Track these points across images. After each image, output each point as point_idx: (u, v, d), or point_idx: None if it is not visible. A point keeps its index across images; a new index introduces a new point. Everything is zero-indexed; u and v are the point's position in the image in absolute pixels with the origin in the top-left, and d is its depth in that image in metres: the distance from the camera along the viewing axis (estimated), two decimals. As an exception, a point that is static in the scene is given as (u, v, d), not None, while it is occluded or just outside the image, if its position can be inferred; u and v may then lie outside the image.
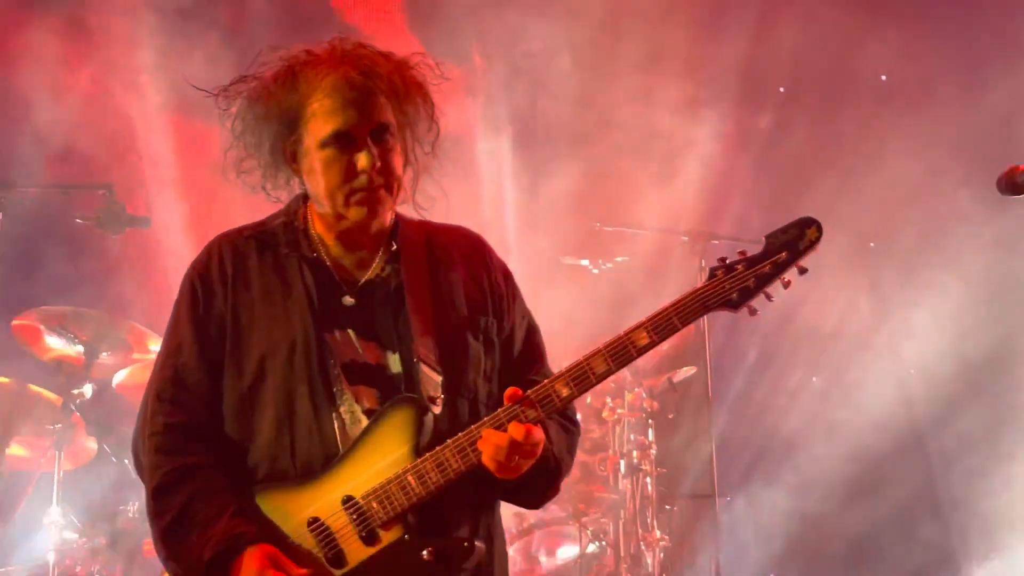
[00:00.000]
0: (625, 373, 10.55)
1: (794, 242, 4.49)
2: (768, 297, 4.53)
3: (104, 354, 10.28)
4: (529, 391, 4.50)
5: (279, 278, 4.82)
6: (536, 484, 4.72)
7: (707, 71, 13.26)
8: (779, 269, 4.48)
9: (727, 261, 4.53)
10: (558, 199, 11.98)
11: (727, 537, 11.73)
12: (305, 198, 4.98)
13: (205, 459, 4.68)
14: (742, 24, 13.07)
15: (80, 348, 10.20)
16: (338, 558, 4.51)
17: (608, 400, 10.59)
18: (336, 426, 4.61)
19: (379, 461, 4.52)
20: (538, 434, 4.50)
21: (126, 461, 10.00)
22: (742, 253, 4.52)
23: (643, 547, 10.69)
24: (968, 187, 11.43)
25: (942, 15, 12.71)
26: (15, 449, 10.36)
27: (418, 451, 4.52)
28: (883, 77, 13.28)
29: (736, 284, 4.48)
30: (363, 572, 4.50)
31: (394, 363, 4.71)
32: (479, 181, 12.27)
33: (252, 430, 4.68)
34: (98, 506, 10.02)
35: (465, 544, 4.54)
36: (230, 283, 4.83)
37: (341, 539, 4.53)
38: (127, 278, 12.12)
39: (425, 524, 4.52)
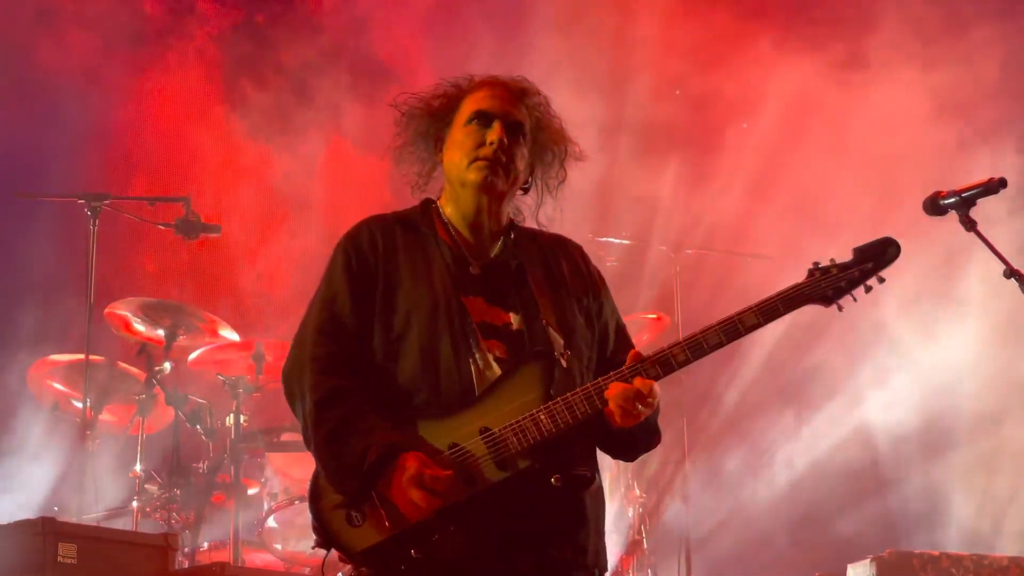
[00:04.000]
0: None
1: (879, 255, 4.59)
2: (854, 298, 4.62)
3: (181, 337, 10.28)
4: (651, 353, 4.57)
5: (420, 251, 4.86)
6: (643, 436, 4.77)
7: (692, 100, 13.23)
8: (865, 275, 4.58)
9: (820, 265, 4.62)
10: (556, 211, 11.94)
11: (693, 494, 11.72)
12: (433, 200, 5.02)
13: (358, 384, 4.68)
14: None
15: (161, 332, 10.20)
16: (474, 478, 4.49)
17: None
18: (473, 370, 4.62)
19: (513, 401, 4.53)
20: (657, 389, 4.57)
21: (198, 427, 10.00)
22: (832, 260, 4.61)
23: (625, 503, 10.71)
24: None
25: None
26: (107, 415, 10.38)
27: (547, 396, 4.52)
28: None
29: (831, 283, 4.58)
30: (495, 491, 4.49)
31: (516, 322, 4.75)
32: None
33: (397, 368, 4.69)
34: (173, 464, 10.01)
35: (587, 474, 4.58)
36: (380, 251, 4.85)
37: (479, 462, 4.50)
38: (200, 275, 12.13)
39: (551, 457, 4.51)
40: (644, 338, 11.17)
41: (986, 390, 11.70)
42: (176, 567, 8.26)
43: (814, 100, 12.46)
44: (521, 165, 4.88)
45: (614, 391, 4.49)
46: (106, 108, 12.63)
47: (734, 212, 12.66)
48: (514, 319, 4.76)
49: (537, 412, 4.50)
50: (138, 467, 9.95)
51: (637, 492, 10.78)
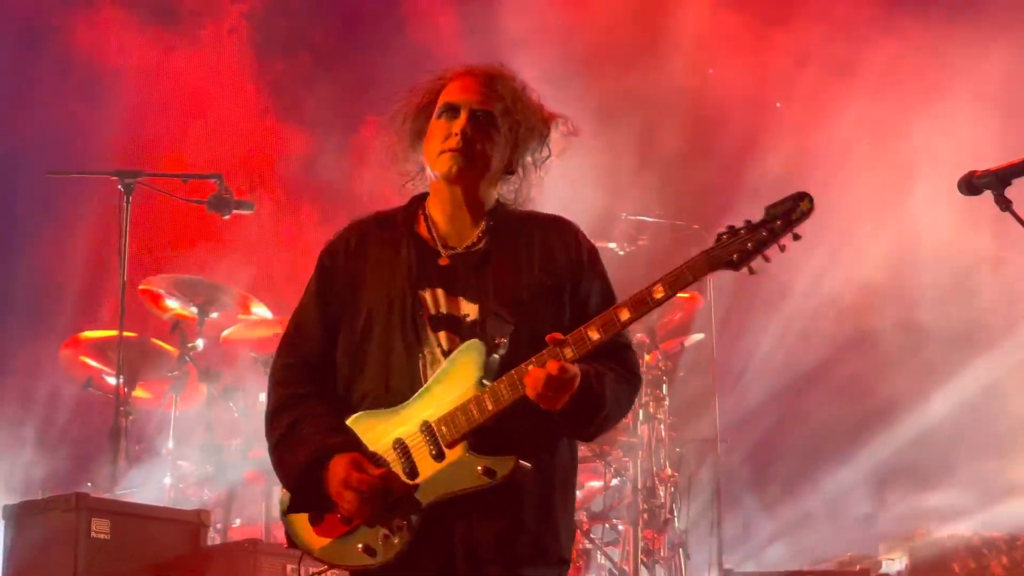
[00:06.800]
0: (645, 337, 10.51)
1: (788, 212, 4.42)
2: (766, 259, 4.47)
3: (214, 314, 10.32)
4: (567, 335, 4.51)
5: (391, 249, 4.91)
6: (578, 417, 4.66)
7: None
8: (775, 235, 4.41)
9: (733, 227, 4.47)
10: (591, 191, 11.94)
11: (725, 473, 11.71)
12: (424, 195, 5.05)
13: (312, 391, 4.82)
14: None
15: (194, 309, 10.24)
16: (413, 471, 4.59)
17: (630, 360, 10.58)
18: (420, 365, 4.69)
19: (451, 392, 4.59)
20: (572, 370, 4.49)
21: (231, 404, 10.04)
22: (747, 221, 4.46)
23: (657, 482, 10.67)
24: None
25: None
26: (139, 392, 10.42)
27: (480, 385, 4.57)
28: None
29: (737, 247, 4.43)
30: (432, 483, 4.57)
31: (473, 313, 4.76)
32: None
33: (361, 371, 4.79)
34: (206, 441, 10.04)
35: (512, 463, 4.54)
36: (352, 256, 4.96)
37: (416, 456, 4.59)
38: (233, 252, 12.16)
39: (483, 445, 4.55)
40: (677, 316, 11.15)
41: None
42: (208, 543, 8.30)
43: (849, 76, 12.45)
44: (492, 151, 4.88)
45: (529, 376, 4.49)
46: (140, 86, 12.68)
47: (765, 190, 12.64)
48: (472, 309, 4.77)
49: (468, 402, 4.56)
50: (171, 444, 9.98)
51: (668, 471, 10.77)
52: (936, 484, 12.14)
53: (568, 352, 4.50)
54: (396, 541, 4.56)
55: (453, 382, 4.62)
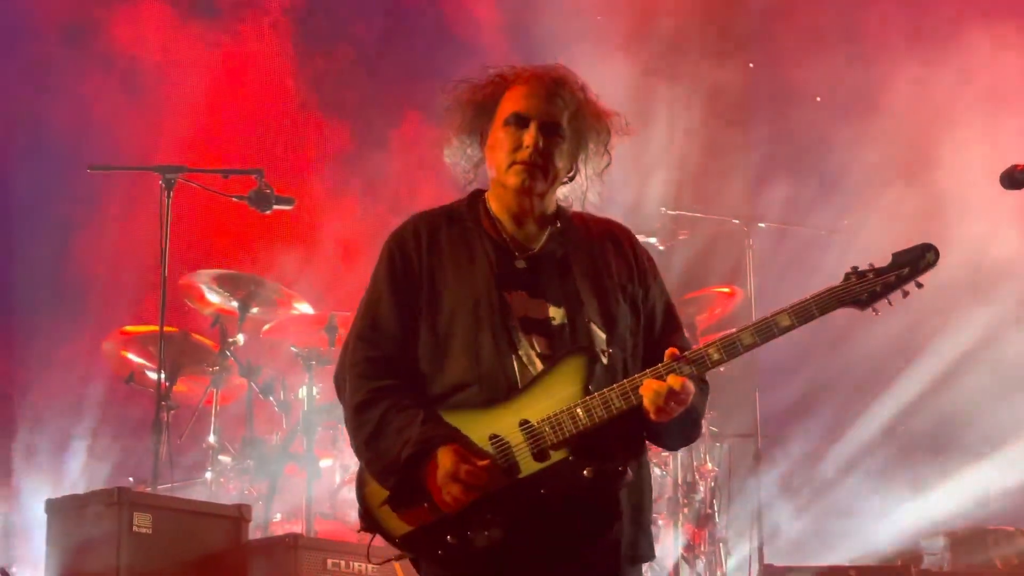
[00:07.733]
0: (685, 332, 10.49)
1: (915, 260, 4.61)
2: (889, 302, 4.65)
3: (254, 309, 10.36)
4: (686, 352, 4.62)
5: (465, 247, 4.94)
6: (680, 429, 4.82)
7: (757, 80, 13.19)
8: (901, 281, 4.61)
9: (858, 269, 4.64)
10: (630, 186, 11.93)
11: (765, 469, 11.71)
12: (481, 192, 5.10)
13: (396, 383, 4.80)
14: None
15: (235, 304, 10.28)
16: (511, 468, 4.61)
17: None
18: (516, 366, 4.72)
19: (553, 395, 4.63)
20: (690, 386, 4.61)
21: (271, 398, 10.08)
22: (871, 265, 4.64)
23: (697, 476, 10.70)
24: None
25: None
26: (180, 387, 10.46)
27: (587, 391, 4.62)
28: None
29: (866, 288, 4.61)
30: (531, 482, 4.60)
31: (559, 317, 4.82)
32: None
33: (442, 367, 4.79)
34: (246, 435, 10.08)
35: (619, 469, 4.62)
36: (424, 250, 4.94)
37: (516, 453, 4.61)
38: (274, 247, 12.19)
39: (586, 449, 4.60)
40: (717, 312, 11.15)
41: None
42: (249, 537, 8.33)
43: (885, 77, 12.41)
44: (560, 162, 4.93)
45: (648, 388, 4.57)
46: (181, 81, 12.72)
47: (806, 186, 12.63)
48: (557, 313, 4.83)
49: (574, 406, 4.60)
50: (212, 438, 10.03)
51: (709, 466, 10.77)
52: (978, 474, 12.11)
53: (687, 369, 4.60)
54: (487, 535, 4.57)
55: (555, 386, 4.67)
